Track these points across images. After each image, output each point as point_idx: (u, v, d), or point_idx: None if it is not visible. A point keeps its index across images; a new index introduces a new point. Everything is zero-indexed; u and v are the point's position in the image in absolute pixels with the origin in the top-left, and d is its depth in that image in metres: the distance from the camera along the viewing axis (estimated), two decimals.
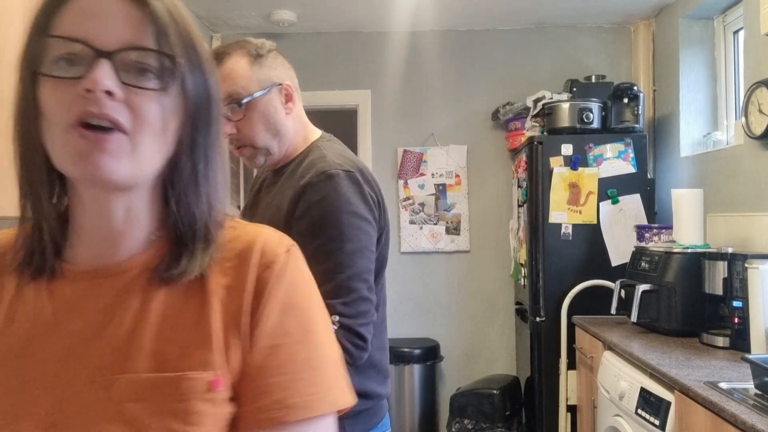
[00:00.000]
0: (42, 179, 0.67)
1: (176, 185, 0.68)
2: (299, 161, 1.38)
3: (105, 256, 0.68)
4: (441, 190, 3.96)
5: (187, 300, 0.66)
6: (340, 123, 4.91)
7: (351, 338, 1.23)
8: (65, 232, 0.70)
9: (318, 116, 6.26)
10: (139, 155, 0.63)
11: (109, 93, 0.60)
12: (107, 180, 0.62)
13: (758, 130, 2.55)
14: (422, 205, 3.96)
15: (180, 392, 0.61)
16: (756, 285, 2.16)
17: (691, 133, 3.36)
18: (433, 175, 3.96)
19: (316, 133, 1.47)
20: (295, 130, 1.40)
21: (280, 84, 1.36)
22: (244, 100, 1.32)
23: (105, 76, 0.60)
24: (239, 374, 0.65)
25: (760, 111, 2.54)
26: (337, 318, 1.22)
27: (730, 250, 2.40)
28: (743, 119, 2.65)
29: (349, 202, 1.27)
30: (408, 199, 3.97)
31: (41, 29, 0.64)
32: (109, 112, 0.60)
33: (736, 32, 3.18)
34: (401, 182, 3.96)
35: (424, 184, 3.97)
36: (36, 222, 0.68)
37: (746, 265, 2.22)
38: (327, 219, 1.25)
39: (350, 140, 4.17)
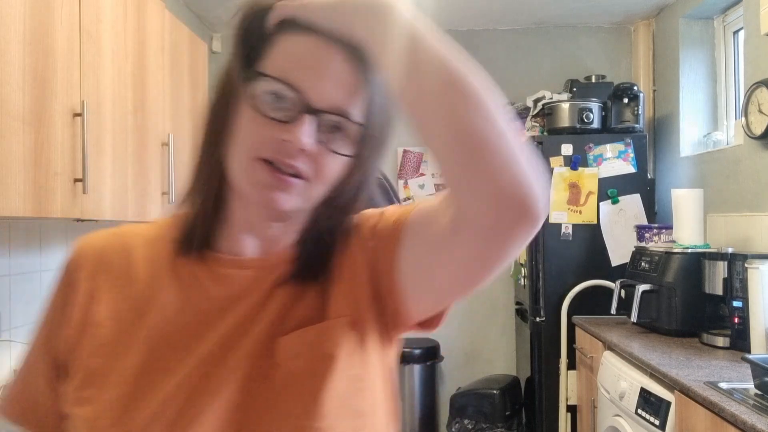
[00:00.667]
0: (212, 180, 0.70)
1: (329, 206, 0.72)
2: None
3: (254, 251, 0.72)
4: (441, 190, 3.96)
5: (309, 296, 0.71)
6: None
7: None
8: (217, 220, 0.73)
9: None
10: (311, 197, 0.68)
11: (303, 150, 0.63)
12: (278, 210, 0.67)
13: (758, 130, 2.55)
14: None
15: (333, 335, 0.68)
16: (756, 285, 2.16)
17: (691, 133, 3.35)
18: (433, 175, 3.96)
19: None
20: None
21: None
22: None
23: (307, 134, 0.63)
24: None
25: (760, 111, 2.54)
26: None
27: (730, 250, 2.40)
28: (743, 119, 2.65)
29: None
30: (408, 199, 3.97)
31: (255, 54, 0.66)
32: (298, 166, 0.64)
33: (736, 32, 3.18)
34: (401, 182, 3.96)
35: (424, 184, 3.97)
36: (196, 213, 0.72)
37: (746, 265, 2.22)
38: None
39: None
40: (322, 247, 0.72)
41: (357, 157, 0.68)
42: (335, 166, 0.67)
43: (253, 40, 0.66)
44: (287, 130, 0.63)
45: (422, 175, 3.97)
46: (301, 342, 0.67)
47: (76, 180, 1.71)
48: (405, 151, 3.96)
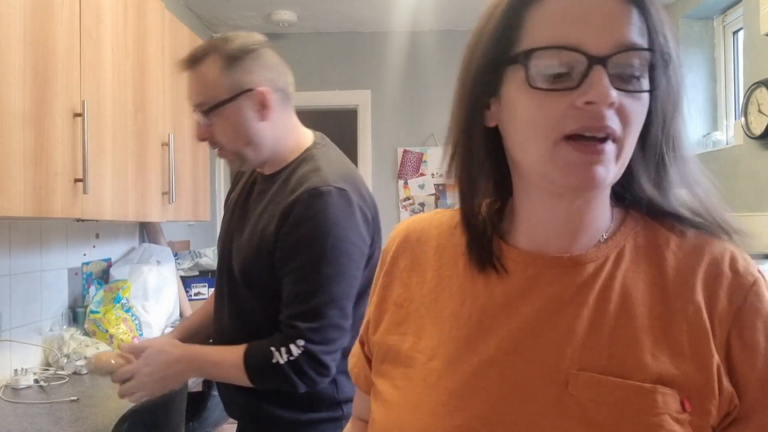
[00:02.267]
0: (487, 175, 0.69)
1: (642, 180, 0.65)
2: (292, 169, 1.32)
3: (551, 248, 0.66)
4: (441, 190, 3.96)
5: (653, 306, 0.62)
6: (340, 123, 4.92)
7: (314, 366, 1.22)
8: (502, 217, 0.71)
9: (318, 116, 6.26)
10: (623, 160, 0.60)
11: (611, 104, 0.57)
12: (596, 188, 0.60)
13: (758, 130, 2.55)
14: (422, 205, 3.97)
15: (655, 406, 0.58)
16: None
17: (690, 133, 3.35)
18: (433, 175, 3.96)
19: (308, 137, 1.40)
20: (277, 136, 1.32)
21: (251, 90, 1.27)
22: (209, 109, 1.27)
23: (608, 86, 0.56)
24: (728, 404, 0.60)
25: (760, 111, 2.54)
26: (302, 342, 1.21)
27: None
28: (743, 119, 2.65)
29: (337, 224, 1.22)
30: (408, 199, 3.97)
31: (511, 38, 0.61)
32: (610, 125, 0.57)
33: (735, 32, 3.18)
34: (401, 182, 3.96)
35: (424, 184, 3.97)
36: (476, 212, 0.70)
37: None
38: (311, 239, 1.21)
39: (350, 140, 4.18)
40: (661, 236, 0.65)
41: (657, 86, 0.60)
42: (641, 108, 0.59)
43: (503, 26, 0.61)
44: (584, 93, 0.57)
45: (422, 175, 3.97)
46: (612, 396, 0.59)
47: (77, 180, 1.72)
48: (405, 151, 3.96)
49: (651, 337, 0.61)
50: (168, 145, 2.38)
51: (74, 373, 1.98)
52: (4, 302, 1.93)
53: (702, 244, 0.65)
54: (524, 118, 0.60)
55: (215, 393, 2.03)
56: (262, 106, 1.28)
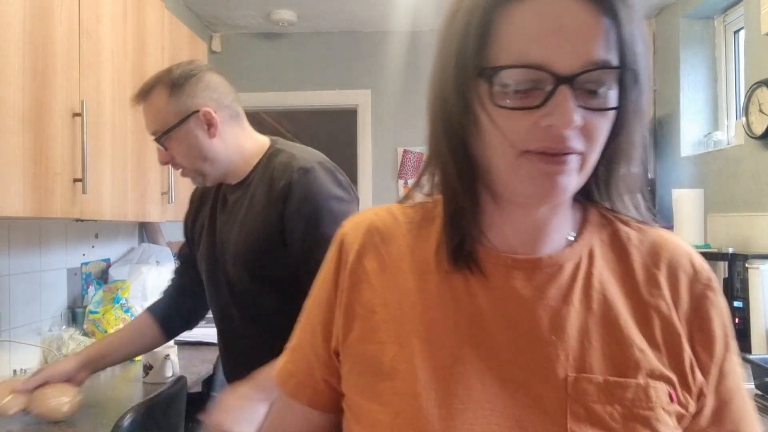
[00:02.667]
0: (465, 179, 0.65)
1: (603, 185, 0.66)
2: (264, 165, 1.42)
3: (525, 251, 0.66)
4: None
5: (628, 302, 0.65)
6: (340, 123, 4.92)
7: None
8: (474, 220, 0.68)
9: (318, 116, 6.21)
10: (586, 171, 0.60)
11: (574, 127, 0.57)
12: (558, 198, 0.60)
13: (759, 130, 2.55)
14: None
15: (650, 400, 0.60)
16: (756, 285, 2.16)
17: (691, 133, 3.35)
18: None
19: (265, 140, 1.50)
20: (230, 148, 1.42)
21: (197, 111, 1.38)
22: (162, 135, 1.38)
23: (570, 110, 0.55)
24: (698, 394, 0.64)
25: (761, 111, 2.54)
26: None
27: (730, 251, 2.40)
28: (744, 119, 2.65)
29: (330, 190, 1.35)
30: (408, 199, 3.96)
31: (477, 48, 0.58)
32: (572, 145, 0.57)
33: (736, 32, 3.17)
34: (401, 182, 3.96)
35: (423, 185, 3.96)
36: (453, 211, 0.66)
37: (747, 265, 2.22)
38: (320, 209, 1.32)
39: (350, 140, 4.17)
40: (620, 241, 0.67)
41: (624, 102, 0.59)
42: (605, 123, 0.59)
43: (470, 36, 0.59)
44: (547, 114, 0.56)
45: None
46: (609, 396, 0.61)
47: (76, 180, 1.71)
48: (405, 151, 3.96)
49: (636, 333, 0.63)
50: None
51: None
52: (3, 302, 1.93)
53: (658, 239, 0.69)
54: (488, 130, 0.60)
55: (215, 393, 2.03)
56: (210, 125, 1.40)
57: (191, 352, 2.30)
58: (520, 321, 0.63)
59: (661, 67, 3.61)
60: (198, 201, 1.59)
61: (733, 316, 2.27)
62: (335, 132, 5.24)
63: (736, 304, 2.27)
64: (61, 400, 1.51)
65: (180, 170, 1.44)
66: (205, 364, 2.13)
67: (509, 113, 0.57)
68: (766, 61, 2.59)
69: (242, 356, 1.43)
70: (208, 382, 2.05)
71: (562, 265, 0.65)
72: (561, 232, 0.67)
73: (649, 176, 3.41)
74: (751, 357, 1.79)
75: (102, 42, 1.90)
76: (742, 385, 0.67)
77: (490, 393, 0.61)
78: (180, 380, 1.69)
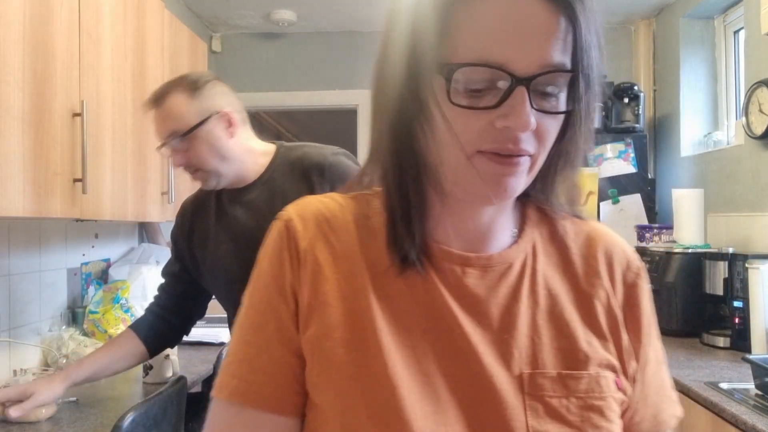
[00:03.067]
0: (413, 177, 0.63)
1: (541, 183, 0.66)
2: (281, 165, 1.48)
3: (472, 249, 0.65)
4: None
5: (571, 295, 0.67)
6: (340, 123, 4.92)
7: None
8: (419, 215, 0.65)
9: (318, 116, 6.21)
10: (534, 172, 0.61)
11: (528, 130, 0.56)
12: (507, 199, 0.60)
13: (759, 130, 2.55)
14: None
15: (601, 390, 0.62)
16: (756, 285, 2.16)
17: (691, 133, 3.35)
18: None
19: (269, 144, 1.56)
20: (243, 150, 1.48)
21: (219, 112, 1.43)
22: (185, 134, 1.41)
23: (526, 113, 0.55)
24: (633, 380, 0.66)
25: (761, 111, 2.54)
26: None
27: (730, 251, 2.40)
28: (744, 119, 2.65)
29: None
30: None
31: (434, 43, 0.57)
32: (525, 147, 0.57)
33: (736, 32, 3.17)
34: None
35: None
36: (401, 208, 0.63)
37: (747, 265, 2.22)
38: None
39: (350, 140, 4.17)
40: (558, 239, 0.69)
41: (575, 106, 0.59)
42: (556, 126, 0.59)
43: (428, 29, 0.57)
44: (503, 115, 0.55)
45: None
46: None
47: (76, 180, 1.71)
48: None
49: (581, 325, 0.65)
50: None
51: None
52: (3, 302, 1.93)
53: (592, 231, 0.71)
54: (441, 128, 0.58)
55: None
56: (230, 125, 1.45)
57: (191, 352, 2.30)
58: (477, 320, 0.63)
59: (661, 67, 3.61)
60: (191, 215, 1.61)
61: (733, 316, 2.27)
62: (335, 132, 5.24)
63: (736, 304, 2.27)
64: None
65: (195, 173, 1.47)
66: (205, 364, 2.13)
67: (464, 112, 0.56)
68: (766, 61, 2.59)
69: None
70: (208, 382, 2.05)
71: (512, 262, 0.65)
72: (506, 229, 0.67)
73: (650, 176, 3.41)
74: (751, 357, 1.79)
75: (102, 42, 1.90)
76: (664, 368, 0.70)
77: (463, 395, 0.60)
78: (180, 380, 1.69)
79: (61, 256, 2.26)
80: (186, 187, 2.63)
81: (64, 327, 2.20)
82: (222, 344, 2.36)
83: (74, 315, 2.29)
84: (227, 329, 2.54)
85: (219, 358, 2.05)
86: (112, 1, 1.97)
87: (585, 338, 0.64)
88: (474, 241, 0.65)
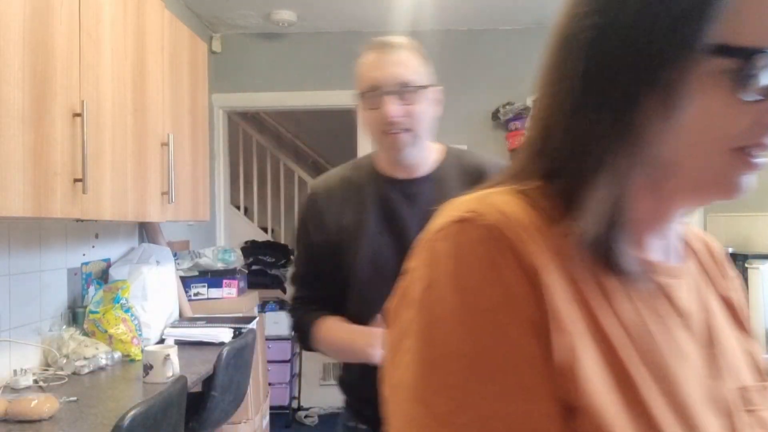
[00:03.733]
0: (635, 173, 0.52)
1: None
2: (455, 166, 1.42)
3: (664, 258, 0.58)
4: None
5: (722, 303, 0.63)
6: (340, 123, 4.92)
7: None
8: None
9: (318, 116, 6.20)
10: None
11: None
12: (739, 196, 0.55)
13: None
14: None
15: None
16: (756, 285, 2.16)
17: None
18: None
19: (437, 143, 1.49)
20: (429, 136, 1.43)
21: (436, 86, 1.40)
22: (416, 88, 1.34)
23: None
24: None
25: None
26: None
27: (730, 251, 2.40)
28: None
29: None
30: None
31: (705, 14, 0.47)
32: None
33: None
34: None
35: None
36: (615, 212, 0.51)
37: (746, 265, 2.22)
38: None
39: (350, 140, 4.17)
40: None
41: None
42: None
43: (694, 5, 0.47)
44: None
45: None
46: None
47: (76, 180, 1.71)
48: None
49: (744, 333, 0.63)
50: (167, 145, 2.37)
51: (74, 373, 1.98)
52: (4, 302, 1.93)
53: (689, 230, 0.68)
54: (696, 120, 0.49)
55: (215, 393, 2.03)
56: (438, 102, 1.41)
57: (191, 352, 2.30)
58: (689, 334, 0.55)
59: None
60: (341, 201, 1.43)
61: None
62: (335, 132, 5.24)
63: None
64: (43, 404, 1.54)
65: (402, 132, 1.34)
66: (205, 364, 2.14)
67: (730, 102, 0.48)
68: None
69: None
70: (208, 382, 2.05)
71: (691, 272, 0.61)
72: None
73: None
74: None
75: (102, 42, 1.90)
76: None
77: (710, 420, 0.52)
78: (180, 380, 1.69)
79: (62, 256, 2.26)
80: (186, 187, 2.63)
81: (64, 327, 2.20)
82: (222, 344, 2.36)
83: (74, 315, 2.29)
84: (227, 329, 2.55)
85: (219, 358, 2.05)
86: (112, 1, 1.97)
87: (754, 346, 0.61)
88: (666, 250, 0.58)
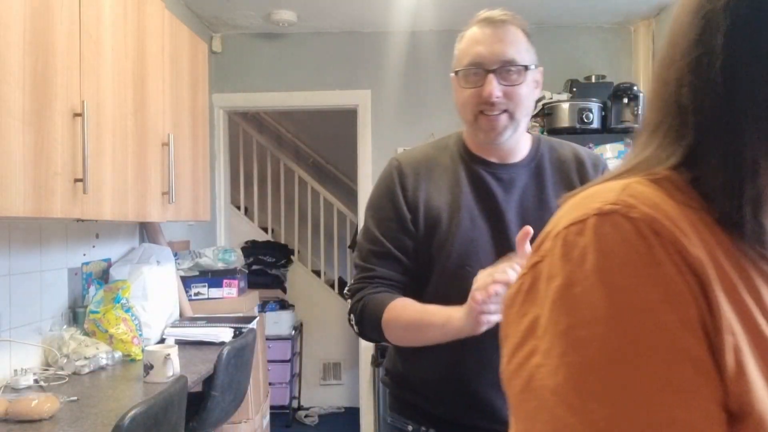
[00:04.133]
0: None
1: None
2: (549, 155, 1.35)
3: None
4: None
5: None
6: (340, 123, 4.92)
7: None
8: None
9: (318, 116, 6.21)
10: None
11: None
12: None
13: None
14: None
15: None
16: None
17: None
18: None
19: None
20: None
21: (539, 67, 1.30)
22: (522, 68, 1.25)
23: None
24: None
25: None
26: None
27: None
28: None
29: None
30: None
31: None
32: None
33: None
34: None
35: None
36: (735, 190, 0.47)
37: None
38: None
39: (350, 140, 4.17)
40: None
41: None
42: None
43: None
44: None
45: None
46: None
47: (76, 180, 1.72)
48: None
49: None
50: (168, 145, 2.37)
51: (74, 373, 1.98)
52: (4, 302, 1.93)
53: None
54: None
55: (215, 393, 2.03)
56: (538, 85, 1.31)
57: (191, 352, 2.31)
58: None
59: None
60: (430, 179, 1.35)
61: None
62: (335, 132, 5.24)
63: None
64: (43, 403, 1.54)
65: (500, 114, 1.25)
66: (205, 363, 2.14)
67: None
68: None
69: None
70: (209, 382, 2.05)
71: None
72: None
73: None
74: None
75: (102, 42, 1.91)
76: None
77: None
78: (180, 380, 1.69)
79: (62, 256, 2.26)
80: (186, 187, 2.64)
81: (64, 326, 2.20)
82: (222, 344, 2.36)
83: (75, 315, 2.29)
84: (228, 329, 2.55)
85: (219, 357, 2.05)
86: (113, 1, 1.97)
87: None
88: None
